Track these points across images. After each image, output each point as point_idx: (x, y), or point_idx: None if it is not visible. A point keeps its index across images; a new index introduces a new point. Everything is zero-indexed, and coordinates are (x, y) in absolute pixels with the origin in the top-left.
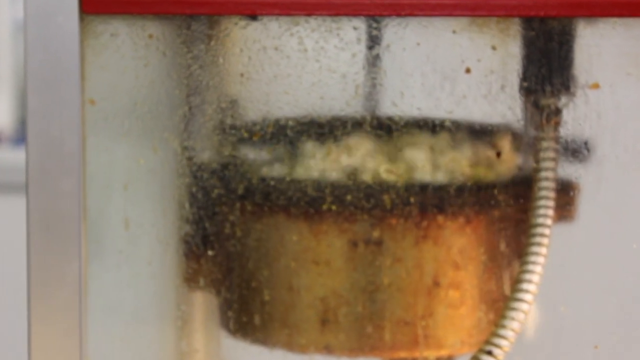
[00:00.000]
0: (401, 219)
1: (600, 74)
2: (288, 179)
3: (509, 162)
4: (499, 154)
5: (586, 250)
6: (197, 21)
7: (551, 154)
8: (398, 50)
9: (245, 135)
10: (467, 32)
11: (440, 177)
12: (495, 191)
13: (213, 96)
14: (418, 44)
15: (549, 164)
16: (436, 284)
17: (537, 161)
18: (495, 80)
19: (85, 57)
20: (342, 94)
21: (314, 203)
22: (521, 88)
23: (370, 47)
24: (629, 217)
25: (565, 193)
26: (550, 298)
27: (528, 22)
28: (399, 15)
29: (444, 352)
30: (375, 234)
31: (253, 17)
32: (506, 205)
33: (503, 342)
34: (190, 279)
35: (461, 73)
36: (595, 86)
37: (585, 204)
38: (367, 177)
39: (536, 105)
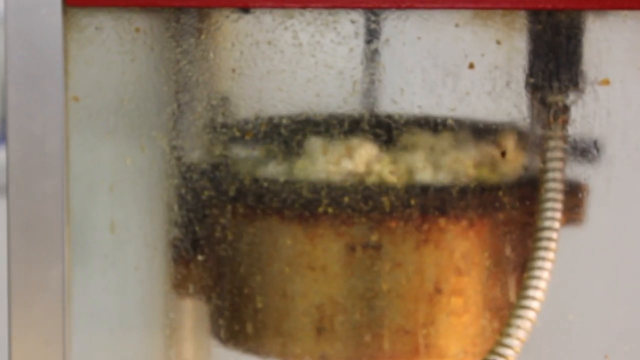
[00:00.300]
0: (401, 222)
1: (610, 69)
2: (282, 180)
3: (515, 162)
4: (503, 154)
5: (596, 255)
6: (187, 14)
7: (559, 154)
8: (398, 44)
9: (237, 134)
10: (471, 25)
11: (442, 178)
12: (500, 193)
13: (203, 93)
14: (419, 38)
15: (556, 164)
16: (438, 290)
17: (544, 161)
18: (500, 76)
19: (68, 52)
20: (339, 91)
21: (309, 205)
22: (527, 84)
23: (368, 42)
24: None
25: (574, 195)
26: (558, 305)
27: (534, 15)
28: (398, 7)
29: None
30: (374, 237)
31: (245, 9)
32: (511, 208)
33: (508, 352)
34: (179, 285)
35: (464, 69)
36: (605, 82)
37: (594, 206)
38: (365, 178)
39: (543, 103)
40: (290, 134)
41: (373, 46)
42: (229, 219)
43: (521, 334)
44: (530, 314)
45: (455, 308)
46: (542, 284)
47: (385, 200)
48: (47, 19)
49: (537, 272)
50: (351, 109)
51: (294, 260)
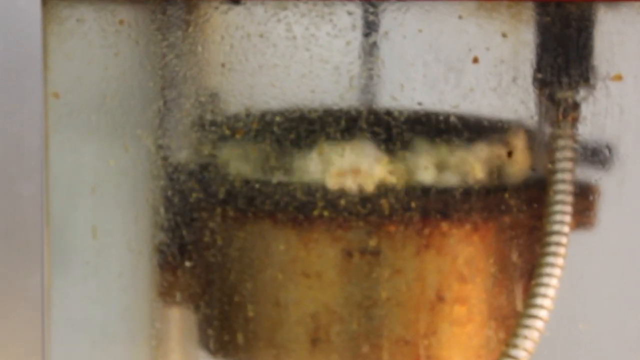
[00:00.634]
0: (401, 226)
1: (623, 64)
2: (274, 181)
3: (521, 162)
4: (510, 154)
5: (607, 261)
6: (173, 5)
7: (568, 154)
8: (398, 37)
9: (227, 132)
10: (475, 17)
11: (445, 179)
12: (506, 195)
13: (191, 89)
14: (420, 30)
15: (565, 165)
16: (440, 298)
17: (553, 162)
18: (506, 71)
19: (48, 46)
20: (335, 87)
21: (303, 208)
22: (535, 80)
23: (366, 35)
24: None
25: (584, 197)
26: (567, 314)
27: (542, 6)
28: None
29: None
30: (372, 242)
31: (236, 0)
32: (518, 211)
33: None
34: (166, 293)
35: (468, 63)
36: (618, 78)
37: (606, 208)
38: (363, 180)
39: (552, 99)
40: (283, 132)
41: (371, 39)
42: (218, 222)
43: (529, 344)
44: (538, 324)
45: (459, 317)
46: (550, 292)
47: (384, 202)
48: (26, 11)
49: (545, 279)
50: (348, 105)
51: (288, 267)
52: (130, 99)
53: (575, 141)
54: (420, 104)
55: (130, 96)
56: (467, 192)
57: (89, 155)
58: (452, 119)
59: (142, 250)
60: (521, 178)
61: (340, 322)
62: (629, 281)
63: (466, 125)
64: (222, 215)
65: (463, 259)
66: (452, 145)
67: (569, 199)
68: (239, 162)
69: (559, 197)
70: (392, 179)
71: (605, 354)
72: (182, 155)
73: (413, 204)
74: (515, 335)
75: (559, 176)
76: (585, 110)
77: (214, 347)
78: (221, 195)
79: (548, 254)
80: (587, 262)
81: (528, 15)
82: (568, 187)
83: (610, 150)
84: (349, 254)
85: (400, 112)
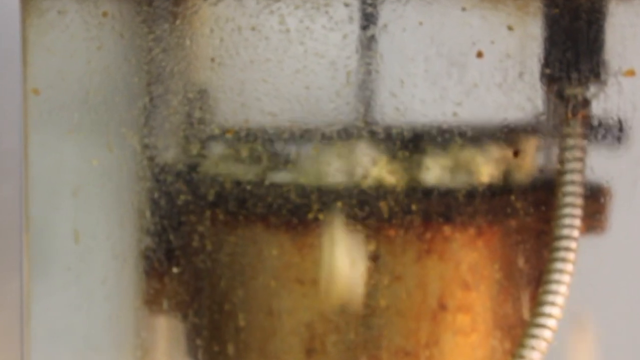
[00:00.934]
0: (401, 229)
1: (635, 58)
2: (267, 182)
3: (528, 162)
4: (516, 154)
5: (620, 267)
6: None
7: (578, 154)
8: (397, 30)
9: (217, 131)
10: (479, 9)
11: (447, 180)
12: (512, 197)
13: (179, 85)
14: (421, 23)
15: (575, 165)
16: (442, 306)
17: (562, 162)
18: (512, 66)
19: (28, 39)
20: (332, 83)
21: (297, 211)
22: (542, 75)
23: (364, 27)
24: None
25: (595, 199)
26: (577, 323)
27: None
28: None
29: None
30: (371, 247)
31: None
32: (525, 214)
33: None
34: (152, 301)
35: (472, 58)
36: (630, 73)
37: (618, 212)
38: (361, 181)
39: (560, 96)
40: (276, 130)
41: (369, 32)
42: (207, 226)
43: (536, 355)
44: (546, 334)
45: (462, 326)
46: (559, 300)
47: (383, 205)
48: (4, 2)
49: (553, 286)
50: (345, 102)
51: (281, 273)
52: (115, 96)
53: (585, 140)
54: (421, 100)
55: (114, 92)
56: (471, 194)
57: (71, 155)
58: (455, 117)
59: (127, 256)
60: (528, 179)
61: (336, 332)
62: None
63: (469, 123)
64: (212, 218)
65: (466, 265)
66: (454, 144)
67: (579, 201)
68: (230, 163)
69: (568, 199)
70: (391, 180)
71: None
72: (170, 155)
73: (414, 207)
74: (521, 345)
75: (568, 177)
76: (596, 107)
77: (203, 358)
78: (210, 198)
79: (557, 259)
80: (598, 269)
81: (535, 7)
82: (578, 189)
83: (622, 129)
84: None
85: (400, 109)
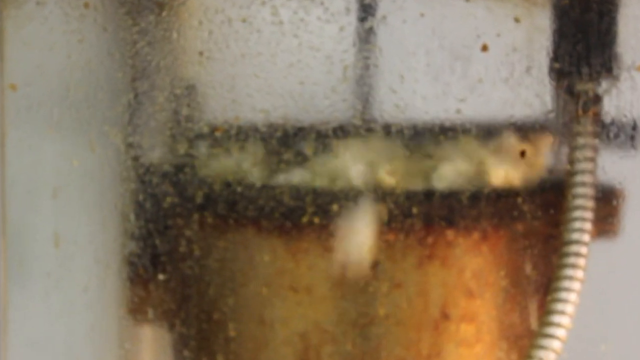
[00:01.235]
0: (401, 234)
1: None
2: (259, 184)
3: (536, 163)
4: (523, 153)
5: (633, 274)
6: None
7: (589, 153)
8: (397, 22)
9: (206, 129)
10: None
11: (450, 182)
12: (519, 200)
13: (165, 80)
14: (422, 14)
15: (586, 166)
16: (445, 315)
17: (572, 162)
18: (518, 61)
19: (4, 32)
20: (327, 78)
21: (291, 214)
22: (551, 70)
23: (362, 19)
24: None
25: (607, 202)
26: (588, 334)
27: None
28: None
29: None
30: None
31: None
32: (532, 218)
33: None
34: (136, 310)
35: (476, 51)
36: None
37: (631, 215)
38: (358, 182)
39: (570, 92)
40: (268, 129)
41: (367, 24)
42: (195, 230)
43: None
44: (555, 344)
45: (466, 337)
46: (569, 308)
47: (382, 208)
48: None
49: (563, 294)
50: (341, 99)
51: (274, 280)
52: (97, 92)
53: (597, 138)
54: (422, 97)
55: (96, 88)
56: (475, 196)
57: (51, 154)
58: (458, 114)
59: (110, 261)
60: (536, 180)
61: (332, 343)
62: None
63: (473, 121)
64: (200, 222)
65: (471, 272)
66: (457, 143)
67: (590, 204)
68: (219, 163)
69: (579, 201)
70: (390, 181)
71: None
72: (155, 154)
73: (414, 210)
74: (529, 357)
75: (579, 178)
76: (608, 103)
77: None
78: (199, 200)
79: (566, 265)
80: (611, 275)
81: None
82: (589, 191)
83: (635, 128)
84: (342, 266)
85: (400, 106)
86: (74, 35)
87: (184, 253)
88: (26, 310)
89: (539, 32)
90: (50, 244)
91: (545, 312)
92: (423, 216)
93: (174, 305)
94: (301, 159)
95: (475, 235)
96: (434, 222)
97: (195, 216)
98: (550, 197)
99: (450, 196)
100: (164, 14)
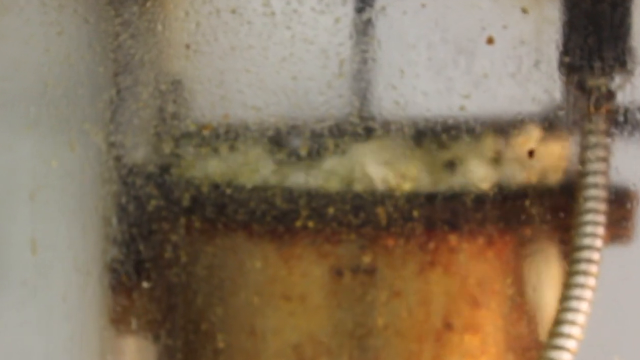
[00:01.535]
0: (401, 239)
1: None
2: (249, 186)
3: (545, 163)
4: (531, 153)
5: None
6: None
7: (601, 153)
8: (397, 13)
9: (192, 127)
10: None
11: (453, 183)
12: (527, 202)
13: (149, 75)
14: (423, 5)
15: (598, 166)
16: (448, 326)
17: (583, 162)
18: (526, 54)
19: None
20: (322, 72)
21: (284, 218)
22: (561, 64)
23: (359, 10)
24: None
25: (620, 204)
26: (600, 345)
27: None
28: None
29: None
30: (366, 259)
31: None
32: (541, 222)
33: None
34: (119, 320)
35: (481, 44)
36: None
37: None
38: (355, 184)
39: (581, 88)
40: (259, 127)
41: (365, 16)
42: (182, 235)
43: None
44: (565, 356)
45: (470, 348)
46: (580, 318)
47: (380, 211)
48: None
49: (573, 303)
50: (337, 94)
51: (265, 288)
52: (77, 88)
53: (609, 137)
54: (424, 93)
55: (76, 84)
56: (480, 199)
57: (28, 154)
58: (462, 110)
59: (90, 269)
60: (544, 182)
61: (327, 355)
62: None
63: (478, 118)
64: (187, 226)
65: (475, 279)
66: (461, 142)
67: (602, 207)
68: (207, 163)
69: (591, 204)
70: (390, 183)
71: None
72: (139, 154)
73: (415, 213)
74: None
75: (591, 180)
76: (622, 100)
77: None
78: (185, 203)
79: (577, 272)
80: (624, 283)
81: None
82: (601, 193)
83: None
84: (338, 273)
85: (400, 103)
86: (52, 27)
87: (169, 259)
88: (2, 320)
89: (548, 23)
90: (27, 250)
91: (554, 322)
92: (424, 220)
93: (159, 315)
94: (294, 159)
95: (480, 240)
96: (436, 227)
97: (182, 220)
98: (560, 199)
99: (453, 199)
100: (148, 4)
